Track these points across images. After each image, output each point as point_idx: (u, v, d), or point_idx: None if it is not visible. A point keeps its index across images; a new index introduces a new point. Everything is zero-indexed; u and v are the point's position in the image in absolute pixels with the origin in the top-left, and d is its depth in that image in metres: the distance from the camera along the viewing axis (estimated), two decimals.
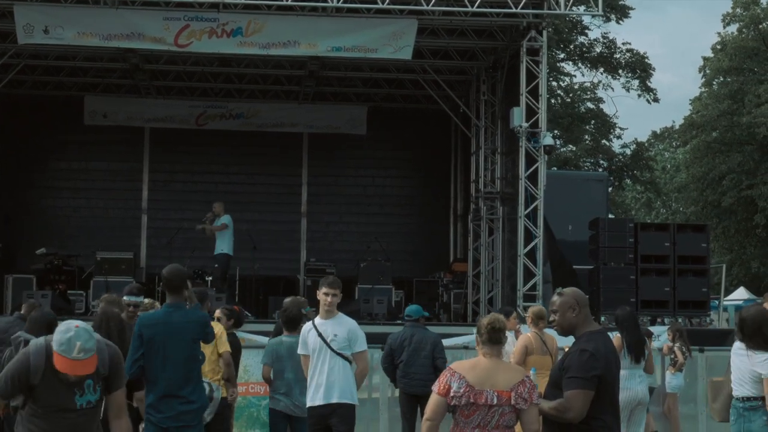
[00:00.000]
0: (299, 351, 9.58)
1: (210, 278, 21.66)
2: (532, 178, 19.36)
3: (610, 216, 26.22)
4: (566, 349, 6.41)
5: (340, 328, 9.37)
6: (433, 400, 6.03)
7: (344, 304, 21.46)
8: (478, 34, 20.80)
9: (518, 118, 19.21)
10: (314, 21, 19.06)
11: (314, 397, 9.33)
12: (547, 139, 19.35)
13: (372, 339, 13.10)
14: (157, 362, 8.25)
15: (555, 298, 6.43)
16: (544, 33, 19.59)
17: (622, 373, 11.44)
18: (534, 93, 19.37)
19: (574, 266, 21.31)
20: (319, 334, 9.29)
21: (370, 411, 15.31)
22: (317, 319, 9.46)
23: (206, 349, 9.86)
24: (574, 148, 44.14)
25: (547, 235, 20.02)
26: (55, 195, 25.56)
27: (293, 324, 10.79)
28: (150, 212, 25.54)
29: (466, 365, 6.12)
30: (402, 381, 12.42)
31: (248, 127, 25.38)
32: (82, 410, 5.75)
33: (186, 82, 24.75)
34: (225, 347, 10.36)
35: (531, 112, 19.37)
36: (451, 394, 5.94)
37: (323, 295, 9.37)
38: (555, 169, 35.72)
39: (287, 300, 14.68)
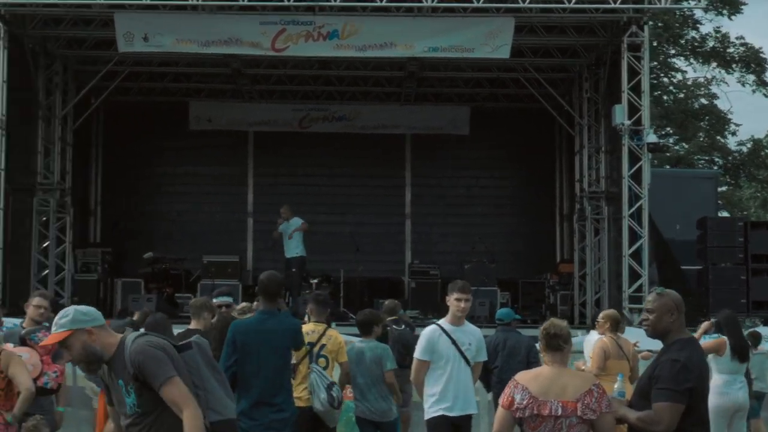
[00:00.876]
0: (421, 356, 9.19)
1: (315, 280, 21.68)
2: (636, 177, 18.87)
3: (720, 214, 25.40)
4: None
5: (472, 337, 9.25)
6: (499, 413, 5.81)
7: (444, 306, 21.41)
8: (577, 31, 20.37)
9: (620, 115, 18.73)
10: (410, 22, 18.91)
11: (452, 407, 9.07)
12: (651, 137, 18.82)
13: None
14: (250, 369, 8.26)
15: (653, 297, 6.07)
16: (646, 28, 19.07)
17: (723, 378, 11.08)
18: (636, 89, 18.88)
19: (683, 267, 20.73)
20: (453, 342, 9.07)
21: None
22: (447, 325, 9.20)
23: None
24: (687, 146, 43.03)
25: (654, 235, 19.51)
26: (161, 200, 25.91)
27: (367, 328, 10.73)
28: (255, 215, 25.67)
29: (530, 375, 5.88)
30: (497, 387, 12.10)
31: (350, 129, 25.34)
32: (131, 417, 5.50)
33: (287, 85, 24.83)
34: (345, 357, 10.31)
35: (633, 110, 18.88)
36: (515, 406, 5.71)
37: (455, 300, 9.15)
38: (667, 167, 34.96)
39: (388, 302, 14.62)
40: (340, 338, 10.33)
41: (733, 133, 44.91)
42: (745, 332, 15.26)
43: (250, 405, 8.21)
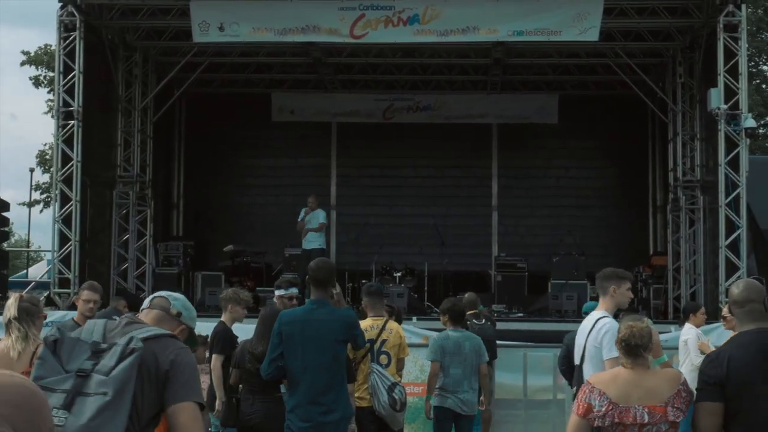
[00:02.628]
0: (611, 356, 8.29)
1: (399, 274, 21.21)
2: (733, 164, 17.86)
3: None
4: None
5: None
6: (574, 422, 5.14)
7: (533, 300, 20.74)
8: (670, 12, 19.41)
9: (716, 99, 17.75)
10: (494, 4, 18.17)
11: None
12: (749, 122, 17.81)
13: (558, 338, 12.23)
14: (296, 364, 7.50)
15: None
16: (743, 7, 18.05)
17: None
18: (733, 72, 17.87)
19: None
20: None
21: (555, 413, 14.45)
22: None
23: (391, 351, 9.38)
24: None
25: (752, 226, 18.51)
26: (243, 192, 25.60)
27: (460, 318, 10.65)
28: (339, 208, 25.23)
29: (606, 378, 5.21)
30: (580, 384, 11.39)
31: (436, 119, 24.73)
32: None
33: (370, 74, 24.27)
34: (407, 351, 9.77)
35: (730, 94, 17.88)
36: (593, 414, 5.03)
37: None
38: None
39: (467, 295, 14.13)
40: (401, 331, 9.74)
41: None
42: None
43: (297, 404, 7.51)
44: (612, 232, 24.51)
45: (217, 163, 25.23)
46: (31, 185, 40.21)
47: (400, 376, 9.79)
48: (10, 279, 30.44)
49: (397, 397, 9.07)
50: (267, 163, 25.70)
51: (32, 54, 39.01)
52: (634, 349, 5.23)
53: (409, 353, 10.13)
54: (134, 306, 18.82)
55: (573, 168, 25.28)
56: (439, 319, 17.22)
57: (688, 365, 11.64)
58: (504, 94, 24.57)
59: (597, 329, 6.99)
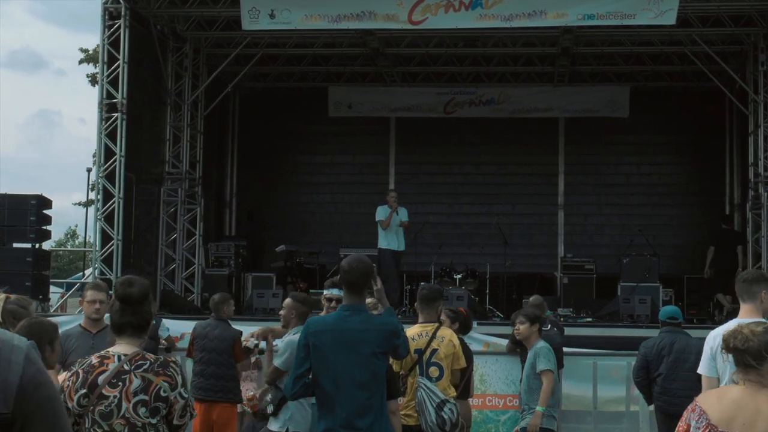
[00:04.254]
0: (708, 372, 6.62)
1: (459, 276, 20.15)
2: None
3: None
4: None
5: None
6: None
7: (599, 304, 19.51)
8: None
9: None
10: None
11: None
12: None
13: (631, 345, 11.06)
14: (326, 381, 6.20)
15: None
16: None
17: None
18: None
19: None
20: None
21: (628, 427, 13.29)
22: None
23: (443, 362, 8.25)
24: None
25: None
26: (299, 190, 24.69)
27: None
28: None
29: (713, 395, 4.17)
30: (661, 398, 10.16)
31: (499, 113, 23.54)
32: None
33: (431, 66, 23.17)
34: (463, 362, 8.59)
35: None
36: None
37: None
38: None
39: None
40: (455, 339, 8.55)
41: None
42: None
43: (328, 427, 6.20)
44: (686, 232, 23.18)
45: (272, 160, 24.32)
46: (88, 185, 39.75)
47: (458, 389, 8.66)
48: (68, 280, 30.03)
49: (446, 416, 7.91)
50: (323, 160, 24.76)
51: (90, 51, 38.47)
52: (739, 357, 4.24)
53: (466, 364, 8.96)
54: (178, 308, 18.02)
55: (644, 164, 23.99)
56: (502, 324, 16.20)
57: None
58: (572, 87, 23.37)
59: None
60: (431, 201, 23.89)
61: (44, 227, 17.22)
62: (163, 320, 13.59)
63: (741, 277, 6.78)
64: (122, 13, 17.71)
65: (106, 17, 17.79)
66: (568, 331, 14.60)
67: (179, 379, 4.70)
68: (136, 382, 4.61)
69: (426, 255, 20.82)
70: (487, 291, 20.34)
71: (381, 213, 19.12)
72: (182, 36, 20.54)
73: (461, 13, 17.06)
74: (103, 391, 4.61)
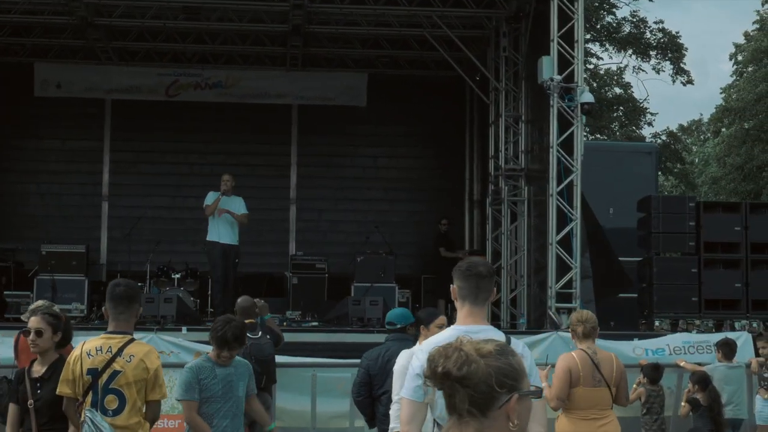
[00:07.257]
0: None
1: (178, 276, 18.14)
2: (567, 146, 15.33)
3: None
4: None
5: None
6: None
7: (330, 306, 17.88)
8: None
9: (548, 69, 15.13)
10: None
11: None
12: (586, 96, 15.22)
13: (360, 352, 9.18)
14: None
15: None
16: None
17: None
18: (568, 39, 15.37)
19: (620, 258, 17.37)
20: None
21: None
22: None
23: None
24: (601, 137, 40.79)
25: (587, 219, 16.04)
26: (1, 179, 21.81)
27: None
28: (112, 199, 21.78)
29: None
30: (386, 422, 7.78)
31: (227, 98, 21.73)
32: None
33: (151, 42, 20.90)
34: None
35: (565, 64, 15.37)
36: None
37: None
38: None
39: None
40: (153, 358, 6.36)
41: (650, 123, 43.58)
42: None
43: None
44: (426, 230, 21.81)
45: None
46: None
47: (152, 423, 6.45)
48: None
49: None
50: (27, 145, 21.97)
51: None
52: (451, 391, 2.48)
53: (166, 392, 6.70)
54: None
55: (382, 157, 22.58)
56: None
57: None
58: (306, 72, 21.78)
59: None
60: (151, 193, 21.75)
61: None
62: None
63: (465, 267, 4.87)
64: None
65: None
66: (290, 337, 12.88)
67: None
68: None
69: (141, 253, 18.71)
70: (209, 293, 18.38)
71: (209, 198, 16.79)
72: None
73: None
74: None
